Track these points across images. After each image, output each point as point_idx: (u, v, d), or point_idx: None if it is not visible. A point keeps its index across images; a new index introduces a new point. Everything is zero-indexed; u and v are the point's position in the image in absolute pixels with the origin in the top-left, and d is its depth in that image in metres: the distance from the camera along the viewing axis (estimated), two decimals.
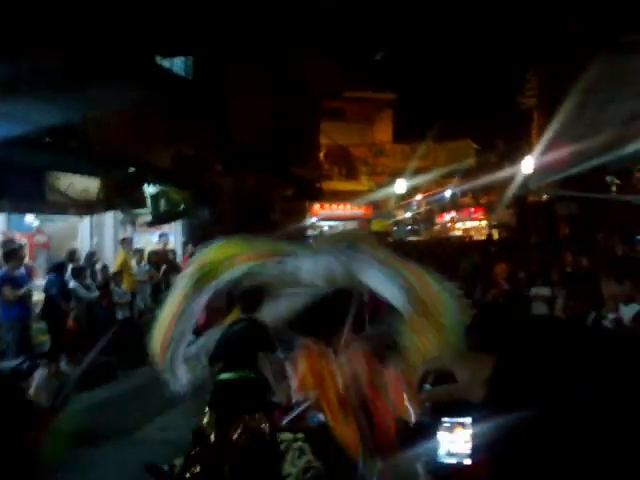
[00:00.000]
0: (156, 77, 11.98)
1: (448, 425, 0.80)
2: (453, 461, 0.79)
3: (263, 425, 4.68)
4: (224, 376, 4.56)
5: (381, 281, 3.84)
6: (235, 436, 4.36)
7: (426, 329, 3.51)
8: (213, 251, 4.67)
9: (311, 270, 4.41)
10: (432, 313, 3.53)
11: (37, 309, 8.45)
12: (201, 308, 4.73)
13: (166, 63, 12.89)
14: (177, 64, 13.28)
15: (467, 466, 0.78)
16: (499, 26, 21.22)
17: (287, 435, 5.07)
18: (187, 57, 13.56)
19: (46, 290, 8.44)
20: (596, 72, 9.83)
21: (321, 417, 6.03)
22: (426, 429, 0.82)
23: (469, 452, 0.78)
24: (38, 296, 8.51)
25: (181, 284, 4.39)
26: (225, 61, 14.08)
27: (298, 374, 4.02)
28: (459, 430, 0.79)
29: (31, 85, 8.33)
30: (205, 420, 4.55)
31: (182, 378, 4.62)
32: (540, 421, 0.66)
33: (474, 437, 0.78)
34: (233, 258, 4.42)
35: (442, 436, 0.80)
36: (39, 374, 5.56)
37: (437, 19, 24.17)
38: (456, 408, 0.79)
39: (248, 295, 4.84)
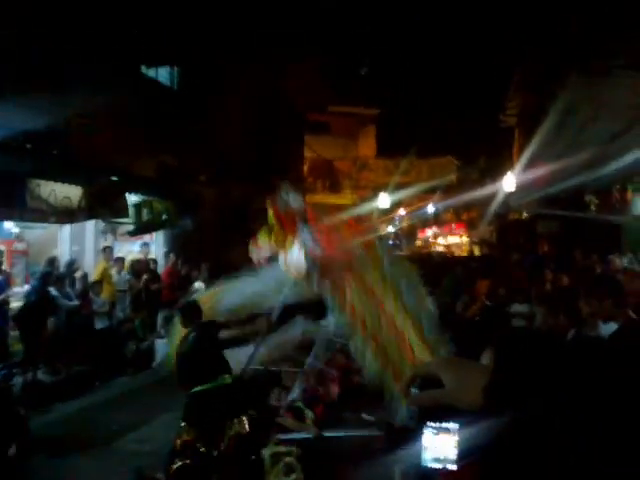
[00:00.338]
0: (141, 86, 11.95)
1: (434, 430, 0.80)
2: (438, 466, 0.80)
3: (246, 428, 4.63)
4: (197, 389, 4.56)
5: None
6: (222, 446, 4.35)
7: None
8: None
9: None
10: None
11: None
12: None
13: (151, 72, 12.87)
14: (162, 74, 13.26)
15: (452, 471, 0.79)
16: (482, 44, 21.58)
17: (280, 448, 5.05)
18: (172, 67, 13.55)
19: (26, 298, 8.33)
20: (576, 93, 10.03)
21: (311, 429, 6.03)
22: (412, 433, 0.83)
23: (454, 457, 0.79)
24: (16, 304, 8.37)
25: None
26: (210, 72, 14.10)
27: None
28: (445, 435, 0.79)
29: (13, 91, 8.25)
30: (185, 436, 4.51)
31: None
32: (530, 424, 0.67)
33: (460, 442, 0.79)
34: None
35: (427, 440, 0.80)
36: (17, 382, 5.51)
37: (421, 36, 24.49)
38: (442, 413, 0.79)
39: (186, 310, 5.01)
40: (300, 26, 17.67)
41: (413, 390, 0.84)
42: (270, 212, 4.59)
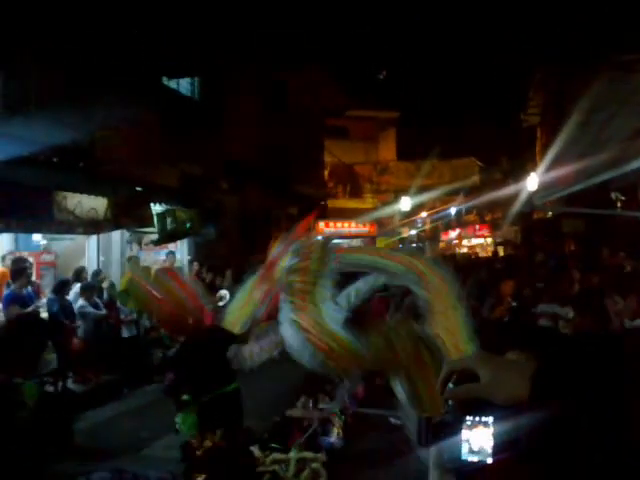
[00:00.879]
0: (163, 97, 12.13)
1: (470, 423, 0.81)
2: (475, 459, 0.81)
3: (222, 441, 4.60)
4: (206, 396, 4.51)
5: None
6: (221, 449, 4.37)
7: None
8: None
9: None
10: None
11: None
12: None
13: (172, 84, 13.05)
14: (183, 85, 13.43)
15: (489, 464, 0.80)
16: (502, 44, 21.43)
17: (308, 453, 5.05)
18: (193, 78, 13.72)
19: (48, 309, 8.48)
20: (599, 90, 9.89)
21: (333, 440, 6.01)
22: (449, 427, 0.84)
23: (491, 450, 0.80)
24: (45, 315, 8.53)
25: None
26: (230, 81, 14.24)
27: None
28: (481, 428, 0.80)
29: (39, 106, 8.44)
30: (193, 439, 4.55)
31: None
32: (567, 419, 0.68)
33: (496, 435, 0.80)
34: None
35: (465, 434, 0.81)
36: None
37: (440, 38, 24.42)
38: (478, 407, 0.80)
39: None
40: (318, 31, 17.77)
41: (450, 385, 0.85)
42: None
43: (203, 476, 4.24)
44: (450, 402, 0.84)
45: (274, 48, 15.34)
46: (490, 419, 0.81)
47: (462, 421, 0.82)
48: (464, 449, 0.82)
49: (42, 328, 4.47)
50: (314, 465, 4.78)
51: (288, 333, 3.44)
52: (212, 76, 13.78)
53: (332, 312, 3.49)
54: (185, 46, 11.77)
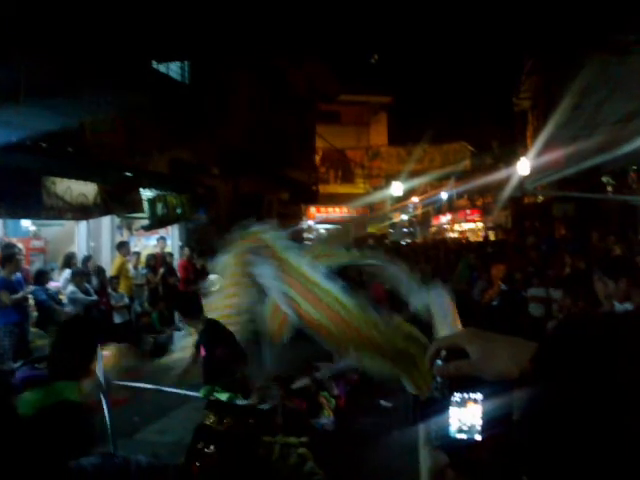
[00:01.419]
0: (152, 82, 11.99)
1: (459, 400, 0.81)
2: (464, 437, 0.80)
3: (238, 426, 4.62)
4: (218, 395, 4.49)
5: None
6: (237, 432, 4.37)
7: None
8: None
9: None
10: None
11: (35, 314, 8.43)
12: None
13: (162, 68, 12.90)
14: (173, 69, 13.29)
15: (478, 442, 0.79)
16: (494, 28, 21.34)
17: (292, 439, 5.06)
18: (183, 62, 13.57)
19: (35, 298, 8.43)
20: (591, 73, 9.87)
21: (329, 418, 6.04)
22: (437, 404, 0.83)
23: (480, 428, 0.79)
24: (31, 302, 8.49)
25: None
26: (221, 65, 14.10)
27: None
28: (471, 405, 0.80)
29: (28, 92, 8.33)
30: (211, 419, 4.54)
31: None
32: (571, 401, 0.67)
33: (485, 413, 0.79)
34: None
35: (453, 411, 0.81)
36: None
37: (432, 22, 24.27)
38: (468, 384, 0.80)
39: (186, 301, 4.84)
40: (310, 15, 17.61)
41: (438, 362, 0.85)
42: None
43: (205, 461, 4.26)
44: (439, 379, 0.84)
45: (265, 33, 15.18)
46: (479, 396, 0.80)
47: (451, 398, 0.82)
48: (453, 427, 0.82)
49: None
50: (300, 450, 4.79)
51: (286, 308, 3.54)
52: (202, 61, 13.64)
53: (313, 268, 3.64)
54: (175, 30, 11.62)
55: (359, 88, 25.82)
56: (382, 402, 6.92)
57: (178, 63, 13.41)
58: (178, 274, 11.42)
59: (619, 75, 8.88)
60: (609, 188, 11.21)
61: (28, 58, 8.33)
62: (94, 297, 9.20)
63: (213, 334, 4.63)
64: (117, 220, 11.47)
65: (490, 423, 0.80)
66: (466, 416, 0.80)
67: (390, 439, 5.39)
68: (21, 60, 8.24)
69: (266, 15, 15.04)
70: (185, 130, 12.38)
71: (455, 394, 0.81)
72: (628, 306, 3.51)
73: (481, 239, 22.23)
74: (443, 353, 0.85)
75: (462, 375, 0.80)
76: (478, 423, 0.80)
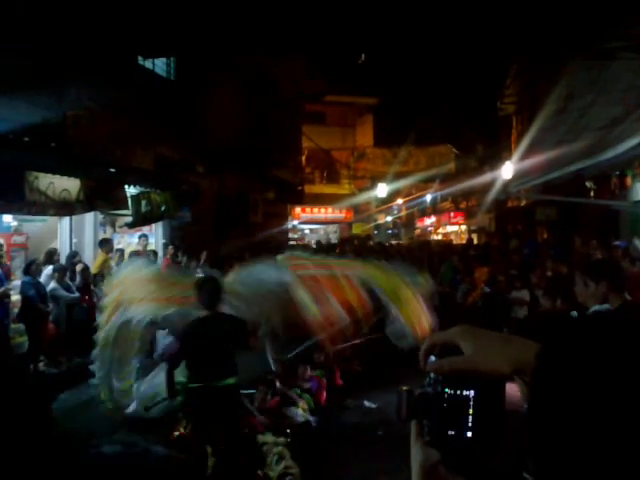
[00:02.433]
0: (138, 78, 11.91)
1: (452, 397, 0.81)
2: (456, 433, 0.80)
3: (244, 429, 4.66)
4: (194, 385, 4.43)
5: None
6: (217, 440, 4.34)
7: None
8: (124, 280, 5.23)
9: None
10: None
11: (15, 310, 8.31)
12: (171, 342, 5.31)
13: (148, 64, 12.81)
14: (159, 65, 13.20)
15: (470, 438, 0.79)
16: (479, 31, 21.49)
17: (269, 438, 5.06)
18: (169, 58, 13.49)
19: (22, 292, 8.31)
20: (576, 77, 9.98)
21: (305, 415, 6.04)
22: (429, 400, 0.83)
23: (472, 424, 0.80)
24: (16, 297, 8.38)
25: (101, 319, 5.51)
26: (207, 63, 14.04)
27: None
28: (463, 402, 0.80)
29: (10, 84, 8.22)
30: (182, 428, 4.51)
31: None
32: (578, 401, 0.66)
33: (478, 409, 0.79)
34: (143, 299, 4.96)
35: (446, 408, 0.81)
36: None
37: (418, 24, 24.39)
38: (461, 380, 0.80)
39: (211, 288, 4.75)
40: (296, 14, 17.59)
41: (431, 357, 0.85)
42: None
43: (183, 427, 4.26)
44: (432, 375, 0.84)
45: (252, 32, 15.14)
46: (472, 392, 0.80)
47: (443, 394, 0.82)
48: (445, 423, 0.82)
49: None
50: (277, 449, 4.79)
51: None
52: (188, 57, 13.57)
53: None
54: (161, 26, 11.54)
55: (345, 89, 25.86)
56: (366, 403, 6.94)
57: (164, 59, 13.33)
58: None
59: (604, 80, 8.98)
60: (592, 193, 11.34)
61: (8, 50, 8.21)
62: (76, 294, 9.10)
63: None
64: (100, 217, 11.36)
65: (482, 419, 0.80)
66: (458, 412, 0.80)
67: (374, 438, 5.40)
68: (1, 51, 8.12)
69: (252, 13, 15.01)
70: (170, 127, 12.32)
71: (448, 390, 0.81)
72: (606, 306, 3.56)
73: (464, 242, 22.39)
74: (436, 349, 0.85)
75: (455, 371, 0.80)
76: (470, 419, 0.80)
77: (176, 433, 4.65)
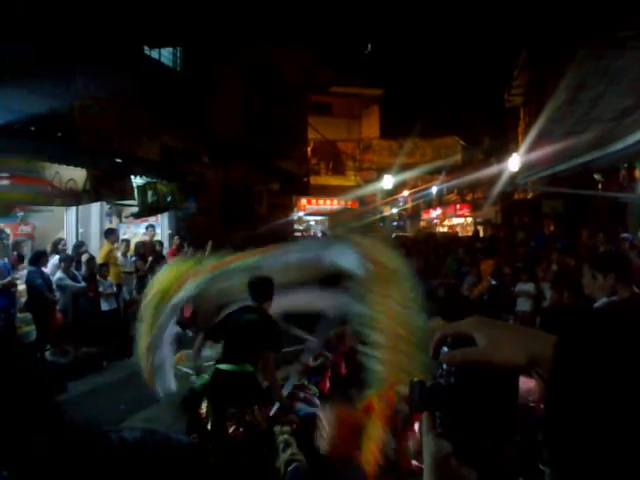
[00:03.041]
0: (144, 68, 11.88)
1: (464, 388, 0.80)
2: (469, 424, 0.79)
3: (259, 419, 4.66)
4: (224, 367, 4.55)
5: (339, 252, 4.40)
6: (231, 429, 4.36)
7: (387, 290, 3.85)
8: (162, 277, 5.15)
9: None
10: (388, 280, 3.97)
11: (22, 300, 8.34)
12: (184, 303, 5.15)
13: (154, 54, 12.78)
14: (165, 55, 13.17)
15: (482, 430, 0.78)
16: (487, 22, 21.33)
17: (275, 428, 5.06)
18: (175, 48, 13.45)
19: (29, 281, 8.33)
20: (585, 68, 9.85)
21: (308, 409, 6.04)
22: (442, 391, 0.82)
23: (485, 416, 0.79)
24: (22, 286, 8.41)
25: (145, 315, 5.10)
26: (213, 53, 13.99)
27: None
28: (475, 393, 0.79)
29: (16, 74, 8.21)
30: (203, 408, 4.52)
31: (168, 384, 4.98)
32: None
33: (491, 401, 0.78)
34: (180, 279, 4.91)
35: (458, 399, 0.80)
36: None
37: (426, 15, 24.23)
38: (474, 371, 0.79)
39: (257, 284, 4.85)
40: (303, 4, 17.50)
41: (444, 348, 0.83)
42: None
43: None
44: (445, 366, 0.82)
45: (259, 21, 15.08)
46: (485, 384, 0.79)
47: (455, 385, 0.81)
48: (458, 414, 0.81)
49: None
50: (282, 437, 4.79)
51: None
52: (195, 48, 13.53)
53: None
54: (167, 16, 11.50)
55: (352, 80, 25.75)
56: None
57: (170, 49, 13.29)
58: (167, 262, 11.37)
59: (613, 70, 8.85)
60: (599, 185, 11.26)
61: (16, 38, 8.21)
62: (82, 284, 9.13)
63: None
64: (106, 207, 11.37)
65: (495, 411, 0.79)
66: (471, 404, 0.79)
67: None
68: (8, 40, 8.12)
69: (258, 2, 14.94)
70: (176, 117, 12.30)
71: (460, 381, 0.80)
72: (614, 299, 3.53)
73: (470, 234, 22.33)
74: (448, 340, 0.84)
75: (468, 362, 0.79)
76: (483, 411, 0.79)
77: (196, 415, 4.66)
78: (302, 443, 4.93)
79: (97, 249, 10.61)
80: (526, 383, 0.92)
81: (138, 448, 0.90)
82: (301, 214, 26.32)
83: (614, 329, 0.70)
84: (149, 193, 11.23)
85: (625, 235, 8.92)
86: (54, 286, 8.72)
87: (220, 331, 4.77)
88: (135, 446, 0.90)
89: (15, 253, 8.90)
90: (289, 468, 4.63)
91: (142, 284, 10.68)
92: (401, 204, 32.82)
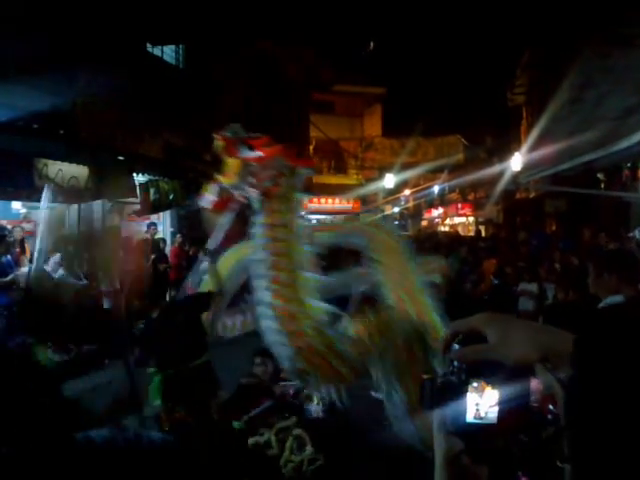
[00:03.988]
0: (146, 65, 11.87)
1: (476, 385, 0.79)
2: (480, 422, 0.79)
3: (188, 416, 4.53)
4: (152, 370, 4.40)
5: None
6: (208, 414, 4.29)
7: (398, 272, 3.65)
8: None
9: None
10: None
11: None
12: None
13: (157, 51, 12.78)
14: (168, 52, 13.16)
15: (494, 428, 0.78)
16: (490, 20, 21.28)
17: (284, 422, 5.01)
18: (178, 45, 13.44)
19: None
20: (589, 66, 9.82)
21: (315, 408, 6.00)
22: (454, 389, 0.81)
23: (496, 412, 0.78)
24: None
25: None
26: (215, 51, 13.98)
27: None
28: (487, 390, 0.78)
29: (19, 71, 8.21)
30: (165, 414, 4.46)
31: None
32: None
33: (502, 398, 0.78)
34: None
35: (470, 396, 0.79)
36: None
37: (428, 13, 24.19)
38: (485, 368, 0.78)
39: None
40: (306, 2, 17.49)
41: (455, 345, 0.83)
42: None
43: None
44: (456, 363, 0.82)
45: (261, 19, 15.06)
46: (497, 381, 0.78)
47: (467, 383, 0.80)
48: (469, 412, 0.80)
49: None
50: (295, 432, 4.73)
51: (262, 318, 3.20)
52: (197, 45, 13.51)
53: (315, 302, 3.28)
54: (170, 12, 11.49)
55: (354, 79, 25.71)
56: (373, 394, 6.91)
57: (173, 47, 13.28)
58: (170, 260, 11.37)
59: (621, 68, 8.80)
60: (602, 185, 11.24)
61: (18, 36, 8.20)
62: (84, 281, 9.13)
63: None
64: (108, 205, 11.36)
65: (507, 408, 0.78)
66: (482, 401, 0.78)
67: (380, 432, 5.37)
68: (11, 38, 8.11)
69: (263, 2, 14.93)
70: (178, 114, 12.28)
71: (472, 378, 0.79)
72: (618, 298, 3.51)
73: (472, 233, 22.29)
74: (459, 337, 0.83)
75: (480, 359, 0.78)
76: (494, 408, 0.78)
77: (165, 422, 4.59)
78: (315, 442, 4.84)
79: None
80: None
81: (106, 447, 0.89)
82: (303, 213, 26.28)
83: (632, 327, 0.69)
84: (151, 191, 11.23)
85: (631, 234, 8.91)
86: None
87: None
88: (102, 446, 0.89)
89: (18, 250, 8.91)
90: (311, 467, 4.56)
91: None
92: (403, 203, 32.76)
